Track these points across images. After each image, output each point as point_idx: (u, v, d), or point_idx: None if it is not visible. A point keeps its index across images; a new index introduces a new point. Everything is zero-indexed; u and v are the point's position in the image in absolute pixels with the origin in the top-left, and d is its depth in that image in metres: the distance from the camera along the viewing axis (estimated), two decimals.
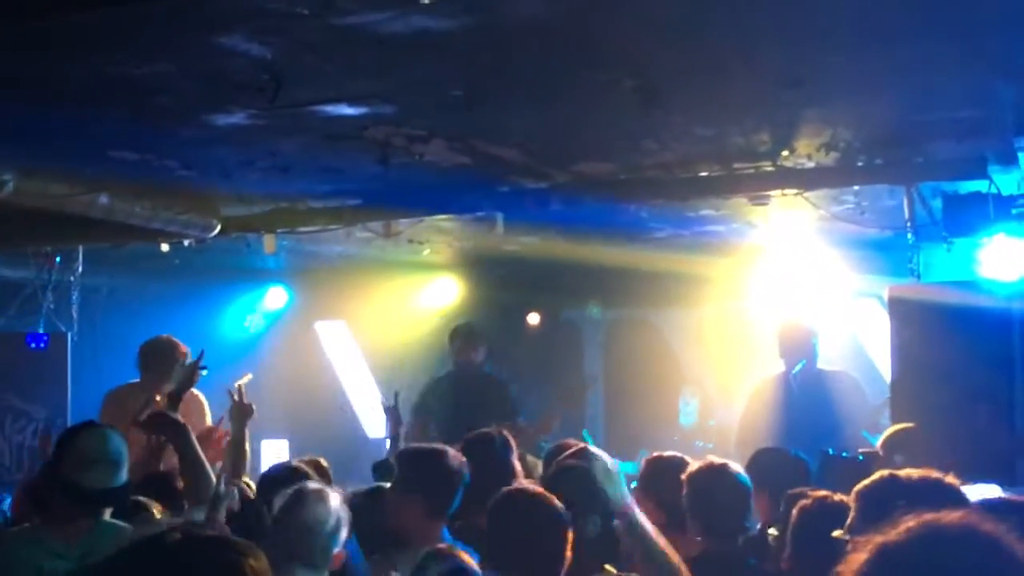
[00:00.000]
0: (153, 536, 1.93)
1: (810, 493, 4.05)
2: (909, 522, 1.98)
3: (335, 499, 3.84)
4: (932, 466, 3.37)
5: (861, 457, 5.07)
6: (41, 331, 8.87)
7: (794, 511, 3.93)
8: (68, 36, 4.02)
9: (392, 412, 6.31)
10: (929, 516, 2.01)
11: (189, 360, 6.10)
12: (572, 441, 5.93)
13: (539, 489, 3.93)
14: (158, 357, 6.43)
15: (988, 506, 3.33)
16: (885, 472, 3.40)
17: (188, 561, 1.86)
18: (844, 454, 5.19)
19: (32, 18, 3.83)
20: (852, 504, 3.35)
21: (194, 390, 6.42)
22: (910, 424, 5.47)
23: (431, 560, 3.54)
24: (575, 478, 4.15)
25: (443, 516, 4.35)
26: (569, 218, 7.26)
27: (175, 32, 4.01)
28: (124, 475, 3.87)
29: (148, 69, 4.37)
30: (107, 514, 3.87)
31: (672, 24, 4.05)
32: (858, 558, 1.98)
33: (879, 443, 5.40)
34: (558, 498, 3.98)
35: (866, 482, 3.34)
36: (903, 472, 3.37)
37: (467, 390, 7.94)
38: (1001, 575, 1.90)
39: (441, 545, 3.83)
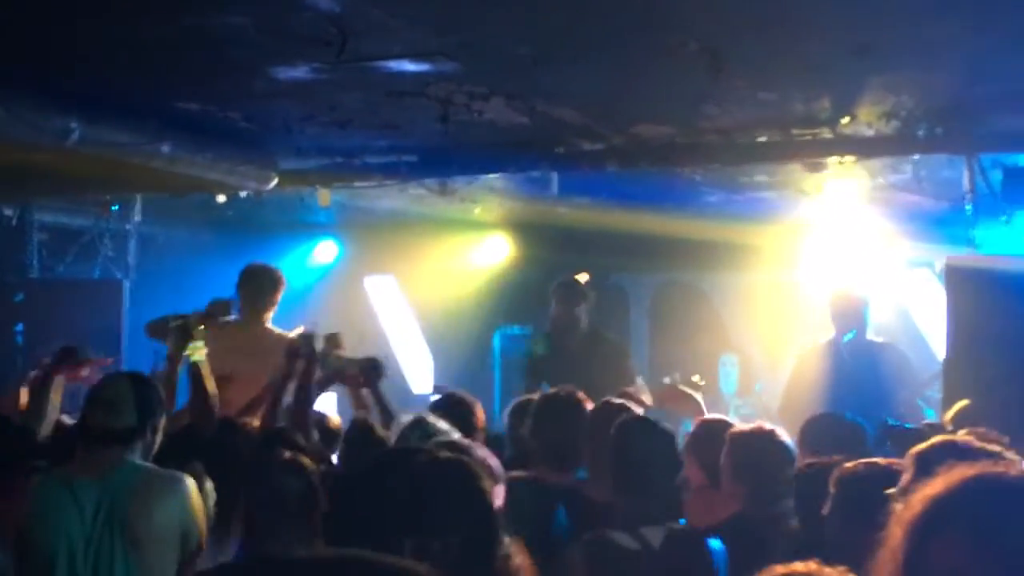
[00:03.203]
0: (404, 451, 2.04)
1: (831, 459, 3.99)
2: (964, 472, 1.94)
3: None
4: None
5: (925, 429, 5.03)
6: (97, 277, 9.03)
7: (835, 475, 3.89)
8: None
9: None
10: (984, 467, 1.98)
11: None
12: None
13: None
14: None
15: None
16: (944, 436, 3.40)
17: (435, 476, 1.99)
18: (907, 425, 5.15)
19: None
20: (908, 467, 3.34)
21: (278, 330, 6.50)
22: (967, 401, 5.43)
23: None
24: (646, 432, 4.23)
25: None
26: (623, 182, 7.27)
27: None
28: (129, 418, 4.04)
29: (220, 20, 4.41)
30: (134, 454, 4.04)
31: None
32: (910, 509, 1.95)
33: (947, 417, 5.37)
34: (626, 452, 4.06)
35: (923, 445, 3.33)
36: (961, 437, 3.38)
37: (573, 352, 7.49)
38: None
39: None
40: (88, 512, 3.89)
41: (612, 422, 4.49)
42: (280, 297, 6.56)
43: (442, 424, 4.14)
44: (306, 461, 3.77)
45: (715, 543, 4.01)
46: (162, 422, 4.28)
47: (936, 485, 1.95)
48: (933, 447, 3.26)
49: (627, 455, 4.10)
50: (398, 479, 1.96)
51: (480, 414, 5.13)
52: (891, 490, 3.14)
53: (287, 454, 4.00)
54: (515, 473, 4.34)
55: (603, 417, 4.75)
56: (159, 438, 4.27)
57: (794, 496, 4.19)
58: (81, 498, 3.92)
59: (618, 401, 5.11)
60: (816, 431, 5.03)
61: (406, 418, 4.33)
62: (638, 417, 4.53)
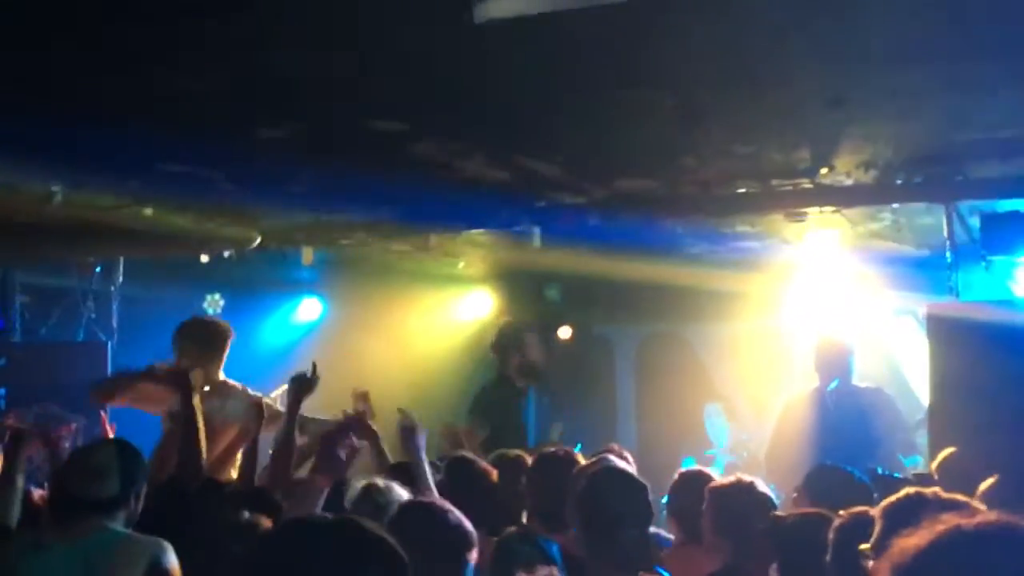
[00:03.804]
0: (307, 518, 2.31)
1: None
2: (946, 523, 1.96)
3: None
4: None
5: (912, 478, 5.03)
6: (81, 339, 8.99)
7: (835, 524, 3.88)
8: (123, 50, 4.10)
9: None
10: (965, 517, 1.99)
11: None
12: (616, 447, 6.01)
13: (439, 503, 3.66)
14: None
15: None
16: (911, 490, 3.39)
17: (334, 538, 2.13)
18: (896, 475, 5.14)
19: (88, 33, 3.92)
20: (878, 520, 3.32)
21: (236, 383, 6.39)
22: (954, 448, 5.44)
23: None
24: (616, 484, 4.21)
25: None
26: (605, 234, 7.31)
27: (229, 48, 4.09)
28: (112, 487, 3.99)
29: (201, 84, 4.44)
30: (116, 522, 3.99)
31: (713, 44, 4.10)
32: (890, 559, 1.96)
33: (933, 466, 5.37)
34: (595, 504, 4.03)
35: (892, 499, 3.32)
36: (929, 491, 3.37)
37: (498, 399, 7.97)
38: None
39: None
40: None
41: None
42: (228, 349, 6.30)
43: (396, 493, 4.09)
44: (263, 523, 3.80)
45: None
46: (144, 490, 4.23)
47: (922, 535, 1.97)
48: (901, 500, 3.24)
49: (595, 506, 4.08)
50: (299, 543, 2.11)
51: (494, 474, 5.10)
52: (864, 546, 3.13)
53: (246, 516, 4.01)
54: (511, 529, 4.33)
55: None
56: (140, 505, 4.22)
57: (776, 546, 4.17)
58: (55, 564, 3.86)
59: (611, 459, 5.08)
60: (819, 485, 4.95)
61: (357, 485, 4.28)
62: (608, 468, 4.50)
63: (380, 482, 4.25)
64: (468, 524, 3.38)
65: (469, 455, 5.34)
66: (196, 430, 5.21)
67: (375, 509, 3.89)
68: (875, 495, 4.67)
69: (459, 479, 4.79)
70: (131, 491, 4.06)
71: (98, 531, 3.92)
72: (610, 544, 3.97)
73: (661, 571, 4.40)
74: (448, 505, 3.48)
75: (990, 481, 4.32)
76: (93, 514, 3.95)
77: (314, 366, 5.52)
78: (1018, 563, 1.89)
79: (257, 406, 5.80)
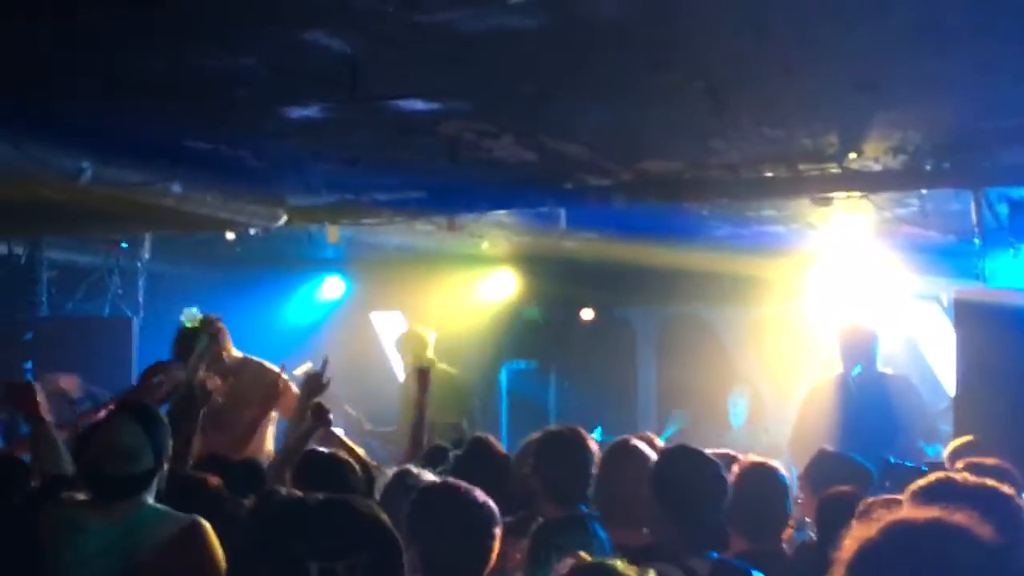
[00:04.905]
0: (297, 499, 2.29)
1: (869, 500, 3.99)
2: (884, 519, 2.10)
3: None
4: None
5: (925, 467, 5.02)
6: (106, 315, 9.05)
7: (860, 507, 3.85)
8: (153, 28, 4.11)
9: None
10: (901, 513, 2.17)
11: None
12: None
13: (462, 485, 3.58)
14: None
15: None
16: (942, 474, 3.37)
17: (327, 512, 2.17)
18: (908, 464, 5.13)
19: (118, 9, 3.93)
20: (906, 503, 3.29)
21: (257, 359, 6.32)
22: (971, 437, 5.42)
23: None
24: (691, 462, 4.17)
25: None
26: (630, 216, 7.30)
27: (259, 26, 4.10)
28: (147, 462, 3.98)
29: (230, 62, 4.45)
30: (151, 491, 4.01)
31: (744, 27, 4.08)
32: (844, 554, 2.09)
33: (946, 454, 5.35)
34: (673, 483, 4.00)
35: (922, 482, 3.30)
36: (960, 476, 3.34)
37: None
38: (968, 561, 2.00)
39: None
40: (111, 560, 3.85)
41: (629, 460, 4.45)
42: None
43: (426, 477, 4.12)
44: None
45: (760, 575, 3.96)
46: (170, 450, 4.26)
47: (871, 527, 2.09)
48: (932, 484, 3.22)
49: (674, 485, 4.04)
50: (295, 518, 2.20)
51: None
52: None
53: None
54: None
55: (619, 456, 4.70)
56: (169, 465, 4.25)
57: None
58: (96, 547, 3.87)
59: (633, 441, 5.08)
60: (820, 471, 4.99)
61: (390, 471, 4.31)
62: (683, 447, 4.46)
63: (413, 468, 4.28)
64: (491, 502, 3.38)
65: (490, 437, 5.29)
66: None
67: (406, 492, 3.91)
68: (886, 483, 4.68)
69: (477, 460, 4.78)
70: (163, 457, 4.09)
71: (136, 508, 3.95)
72: (693, 523, 3.91)
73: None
74: (470, 485, 3.48)
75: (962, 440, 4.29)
76: (130, 490, 3.98)
77: (325, 362, 5.49)
78: (959, 555, 2.01)
79: (273, 385, 5.82)
